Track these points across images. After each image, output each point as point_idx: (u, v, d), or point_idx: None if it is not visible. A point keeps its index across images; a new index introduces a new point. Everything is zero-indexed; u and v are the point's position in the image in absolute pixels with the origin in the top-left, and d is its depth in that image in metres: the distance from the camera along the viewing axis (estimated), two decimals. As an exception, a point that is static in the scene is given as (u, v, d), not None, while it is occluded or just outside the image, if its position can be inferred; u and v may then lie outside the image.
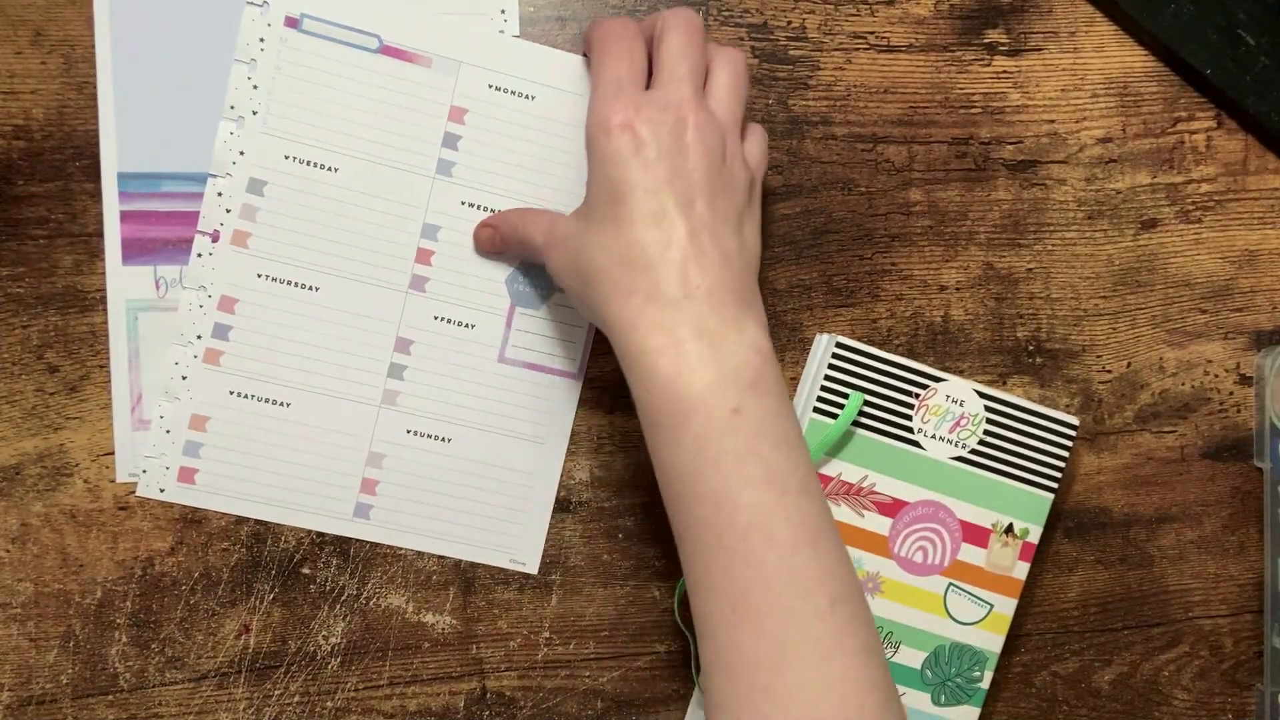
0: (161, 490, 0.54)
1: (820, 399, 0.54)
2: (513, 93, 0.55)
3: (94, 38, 0.53)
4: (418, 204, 0.55)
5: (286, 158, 0.54)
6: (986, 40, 0.58)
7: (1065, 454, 0.56)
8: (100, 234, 0.53)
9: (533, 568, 0.56)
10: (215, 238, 0.54)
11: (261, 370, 0.54)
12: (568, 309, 0.56)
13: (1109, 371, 0.60)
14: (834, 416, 0.54)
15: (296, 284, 0.54)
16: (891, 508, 0.55)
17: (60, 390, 0.54)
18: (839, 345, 0.55)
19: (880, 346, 0.56)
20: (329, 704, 0.56)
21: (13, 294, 0.53)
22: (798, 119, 0.57)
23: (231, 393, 0.54)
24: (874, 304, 0.58)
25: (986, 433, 0.56)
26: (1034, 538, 0.57)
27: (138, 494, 0.54)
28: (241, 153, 0.53)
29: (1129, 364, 0.60)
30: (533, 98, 0.55)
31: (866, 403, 0.55)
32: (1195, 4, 0.58)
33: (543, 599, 0.57)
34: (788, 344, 0.57)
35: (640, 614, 0.57)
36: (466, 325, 0.56)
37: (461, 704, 0.57)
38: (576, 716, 0.57)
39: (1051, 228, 0.59)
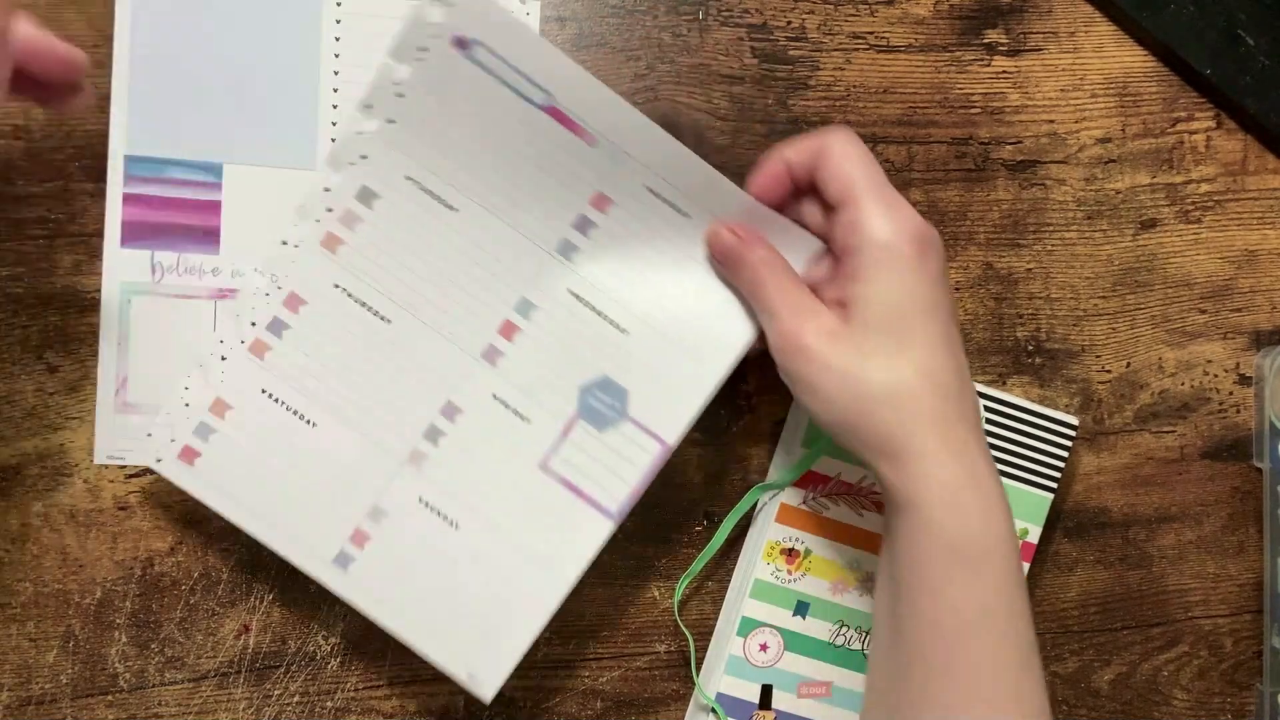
0: (158, 460, 0.51)
1: None
2: (670, 204, 0.50)
3: (112, 15, 0.53)
4: (524, 275, 0.51)
5: (408, 179, 0.50)
6: (986, 40, 0.58)
7: (1065, 454, 0.56)
8: (100, 234, 0.53)
9: (487, 694, 0.51)
10: (308, 234, 0.51)
11: (302, 381, 0.51)
12: (632, 443, 0.52)
13: (1108, 371, 0.60)
14: None
15: (370, 309, 0.51)
16: None
17: (60, 390, 0.54)
18: None
19: (880, 346, 0.56)
20: (329, 704, 0.56)
21: (13, 294, 0.53)
22: (798, 119, 0.57)
23: (264, 391, 0.51)
24: (874, 304, 0.58)
25: (986, 433, 0.56)
26: (1033, 538, 0.57)
27: (127, 461, 0.54)
28: (364, 156, 0.50)
29: (1128, 364, 0.60)
30: (689, 216, 0.51)
31: None
32: (1195, 4, 0.58)
33: (542, 599, 0.57)
34: (787, 344, 0.58)
35: (640, 614, 0.57)
36: (522, 417, 0.51)
37: (461, 704, 0.57)
38: (576, 716, 0.57)
39: (1051, 228, 0.59)
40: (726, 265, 0.50)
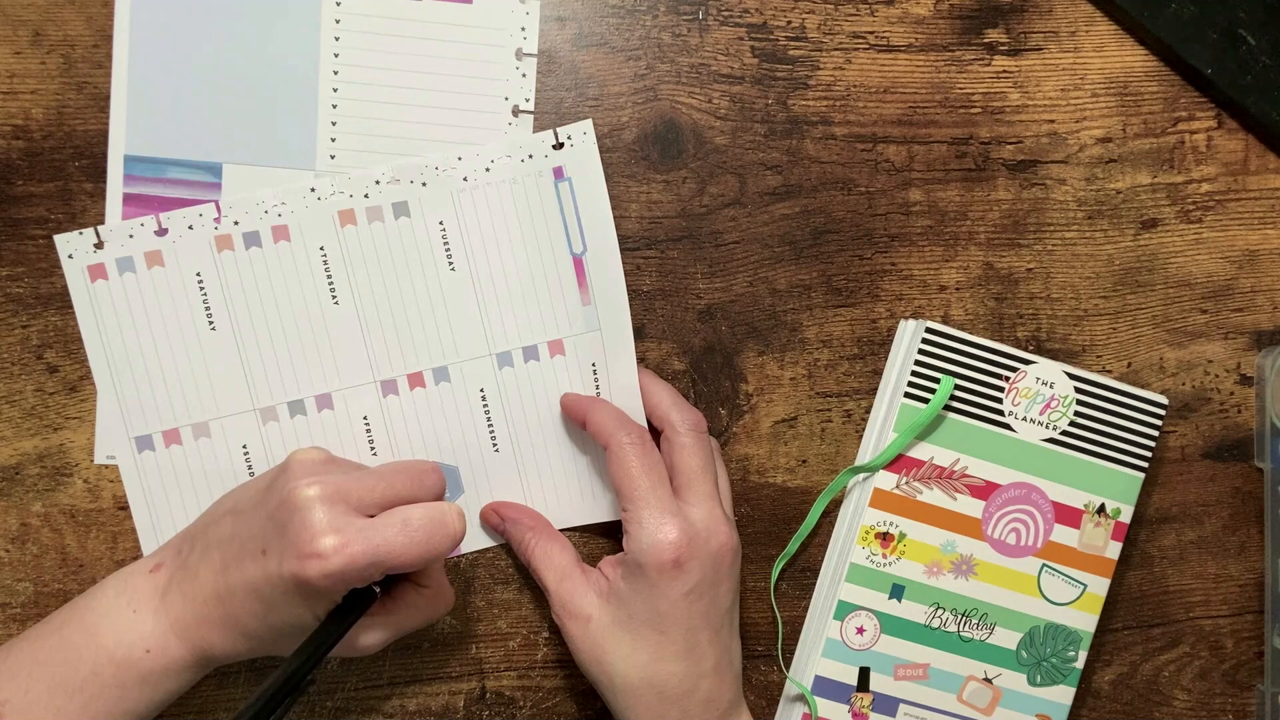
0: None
1: (911, 384, 0.55)
2: (598, 388, 0.55)
3: (110, 18, 0.53)
4: (461, 350, 0.55)
5: (440, 223, 0.54)
6: (986, 40, 0.58)
7: (1155, 433, 0.57)
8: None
9: None
10: (333, 198, 0.53)
11: (227, 301, 0.54)
12: None
13: (1109, 371, 0.60)
14: (925, 401, 0.55)
15: (331, 286, 0.54)
16: (984, 490, 0.56)
17: (60, 390, 0.54)
18: (929, 330, 0.55)
19: (880, 347, 0.56)
20: (329, 704, 0.56)
21: (13, 294, 0.53)
22: (797, 119, 0.57)
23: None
24: (874, 304, 0.58)
25: (1076, 414, 0.56)
26: (1125, 517, 0.57)
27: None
28: (424, 185, 0.53)
29: (1129, 364, 0.60)
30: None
31: (957, 386, 0.55)
32: (1196, 3, 0.57)
33: (542, 599, 0.57)
34: (788, 344, 0.57)
35: (640, 614, 0.57)
36: (374, 454, 0.55)
37: (461, 704, 0.57)
38: (576, 716, 0.57)
39: (1051, 228, 0.59)
40: (495, 531, 0.56)
